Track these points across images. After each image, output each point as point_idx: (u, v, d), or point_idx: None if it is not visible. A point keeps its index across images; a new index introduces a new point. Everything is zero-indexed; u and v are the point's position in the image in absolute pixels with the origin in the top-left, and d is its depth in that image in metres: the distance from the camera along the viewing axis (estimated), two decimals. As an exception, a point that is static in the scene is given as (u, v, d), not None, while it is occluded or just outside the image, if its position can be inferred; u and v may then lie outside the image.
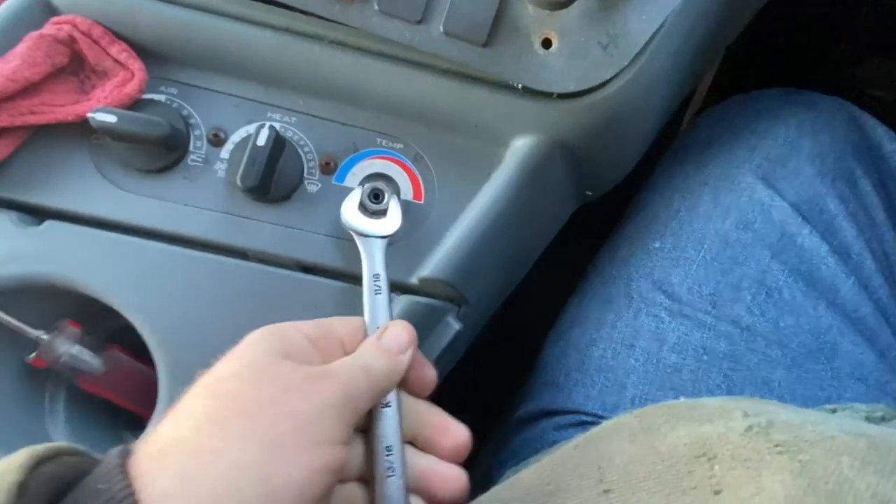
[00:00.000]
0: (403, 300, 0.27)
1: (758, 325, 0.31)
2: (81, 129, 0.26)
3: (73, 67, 0.27)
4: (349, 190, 0.27)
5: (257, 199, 0.27)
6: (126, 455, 0.17)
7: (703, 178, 0.34)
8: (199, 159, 0.27)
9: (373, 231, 0.25)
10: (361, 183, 0.28)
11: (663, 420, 0.22)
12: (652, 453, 0.21)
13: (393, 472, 0.21)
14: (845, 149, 0.34)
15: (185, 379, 0.26)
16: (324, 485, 0.19)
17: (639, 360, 0.31)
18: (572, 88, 0.24)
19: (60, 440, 0.29)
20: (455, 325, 0.28)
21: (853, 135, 0.35)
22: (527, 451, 0.31)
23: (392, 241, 0.26)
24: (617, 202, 0.38)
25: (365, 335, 0.23)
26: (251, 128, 0.27)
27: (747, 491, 0.18)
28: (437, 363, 0.28)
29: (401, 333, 0.23)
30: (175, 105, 0.27)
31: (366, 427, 0.22)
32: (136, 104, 0.27)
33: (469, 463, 0.40)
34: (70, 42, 0.26)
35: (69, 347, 0.28)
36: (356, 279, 0.27)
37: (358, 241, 0.25)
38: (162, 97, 0.27)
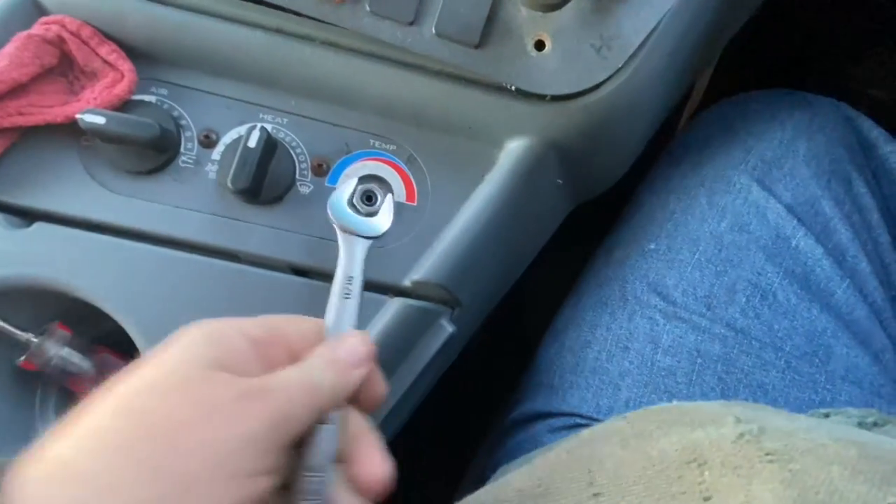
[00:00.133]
0: (396, 303, 0.27)
1: (752, 328, 0.30)
2: (71, 131, 0.26)
3: (62, 68, 0.26)
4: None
5: (249, 201, 0.27)
6: (9, 473, 0.15)
7: (698, 180, 0.34)
8: (190, 161, 0.27)
9: (359, 229, 0.24)
10: (354, 184, 0.27)
11: (655, 425, 0.22)
12: (643, 458, 0.20)
13: (318, 497, 0.18)
14: (841, 150, 0.34)
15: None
16: None
17: (633, 362, 0.31)
18: (565, 91, 0.24)
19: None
20: (448, 328, 0.28)
21: (848, 136, 0.35)
22: (521, 453, 0.31)
23: (378, 244, 0.25)
24: (612, 204, 0.37)
25: (319, 340, 0.20)
26: (242, 129, 0.27)
27: (737, 499, 0.18)
28: (431, 366, 0.28)
29: (358, 346, 0.20)
30: (165, 106, 0.27)
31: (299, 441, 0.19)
32: (125, 105, 0.26)
33: (463, 464, 0.40)
34: (59, 42, 0.26)
35: (59, 350, 0.28)
36: (348, 282, 0.27)
37: (340, 237, 0.24)
38: (152, 98, 0.27)
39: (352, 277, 0.23)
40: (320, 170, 0.27)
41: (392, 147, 0.28)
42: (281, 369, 0.18)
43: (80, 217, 0.26)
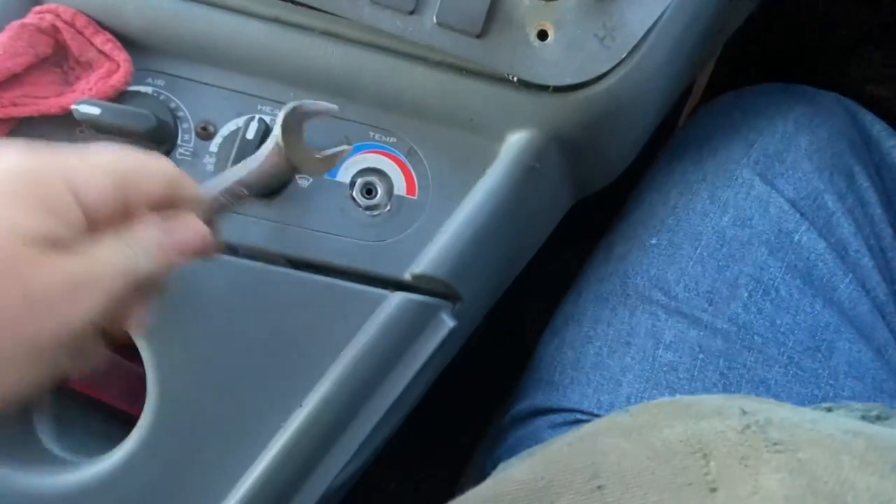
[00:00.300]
0: (396, 297, 0.27)
1: (754, 323, 0.30)
2: (65, 122, 0.25)
3: (57, 58, 0.26)
4: (342, 185, 0.27)
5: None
6: None
7: (700, 174, 0.34)
8: (188, 153, 0.27)
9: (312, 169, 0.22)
10: (354, 177, 0.27)
11: (659, 417, 0.22)
12: (647, 450, 0.20)
13: None
14: (843, 144, 0.34)
15: (173, 376, 0.26)
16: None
17: (634, 357, 0.31)
18: (568, 81, 0.24)
19: (48, 438, 0.29)
20: (449, 323, 0.27)
21: (851, 130, 0.35)
22: (521, 450, 0.31)
23: (378, 238, 0.24)
24: (613, 198, 0.37)
25: (172, 190, 0.18)
26: (240, 121, 0.27)
27: (745, 489, 0.18)
28: (432, 361, 0.28)
29: (195, 237, 0.19)
30: (162, 97, 0.27)
31: None
32: (121, 96, 0.26)
33: (463, 460, 0.40)
34: (53, 32, 0.25)
35: (55, 345, 0.27)
36: (350, 275, 0.27)
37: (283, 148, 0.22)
38: (148, 89, 0.27)
39: (248, 176, 0.21)
40: (321, 163, 0.27)
41: (392, 139, 0.28)
42: (108, 239, 0.17)
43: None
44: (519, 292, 0.37)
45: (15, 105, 0.25)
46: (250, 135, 0.25)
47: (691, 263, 0.32)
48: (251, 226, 0.27)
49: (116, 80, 0.26)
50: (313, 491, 0.26)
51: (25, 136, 0.26)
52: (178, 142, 0.27)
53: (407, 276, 0.27)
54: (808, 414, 0.21)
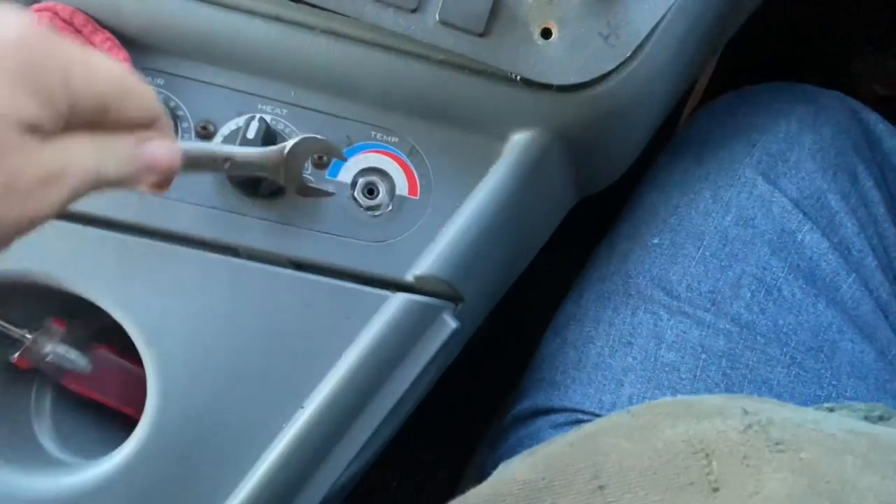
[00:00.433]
0: (398, 298, 0.26)
1: (757, 323, 0.30)
2: (64, 121, 0.25)
3: (55, 56, 0.26)
4: (343, 185, 0.27)
5: (248, 195, 0.26)
6: None
7: (702, 174, 0.34)
8: (187, 153, 0.27)
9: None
10: (355, 177, 0.27)
11: (660, 417, 0.22)
12: (648, 450, 0.20)
13: None
14: (846, 144, 0.34)
15: (174, 378, 0.26)
16: None
17: (636, 357, 0.31)
18: (572, 80, 0.24)
19: (48, 440, 0.29)
20: (451, 324, 0.27)
21: (854, 130, 0.35)
22: (522, 449, 0.31)
23: (380, 238, 0.24)
24: (615, 197, 0.37)
25: (149, 118, 0.18)
26: (241, 120, 0.27)
27: (747, 489, 0.18)
28: (434, 362, 0.27)
29: (166, 155, 0.18)
30: (162, 96, 0.27)
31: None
32: (120, 95, 0.26)
33: (464, 460, 0.40)
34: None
35: (55, 347, 0.27)
36: (351, 276, 0.27)
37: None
38: (148, 88, 0.27)
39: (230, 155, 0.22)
40: (321, 162, 0.27)
41: (394, 139, 0.27)
42: (83, 138, 0.16)
43: (75, 210, 0.26)
44: (520, 291, 0.36)
45: (12, 104, 0.25)
46: (251, 134, 0.25)
47: (693, 263, 0.32)
48: (252, 226, 0.26)
49: (115, 78, 0.25)
50: (314, 493, 0.26)
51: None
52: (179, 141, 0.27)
53: (409, 277, 0.27)
54: (810, 414, 0.21)
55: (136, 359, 0.26)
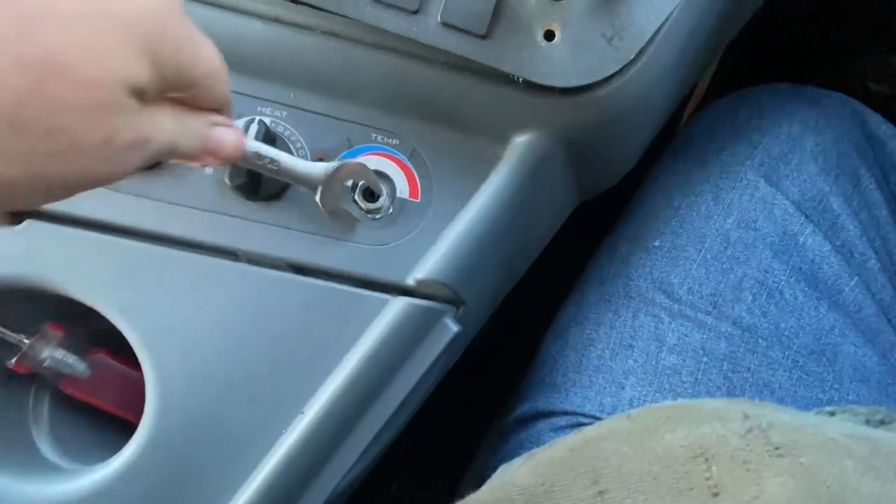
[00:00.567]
0: (399, 302, 0.26)
1: (759, 326, 0.30)
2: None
3: (51, 58, 0.25)
4: (343, 188, 0.26)
5: (247, 198, 0.26)
6: None
7: (703, 176, 0.34)
8: (186, 155, 0.26)
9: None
10: (354, 181, 0.27)
11: (660, 422, 0.21)
12: (648, 454, 0.20)
13: None
14: (849, 146, 0.33)
15: (173, 382, 0.25)
16: None
17: (637, 360, 0.31)
18: (575, 83, 0.24)
19: (46, 446, 0.29)
20: (453, 328, 0.27)
21: (857, 132, 0.34)
22: (523, 452, 0.31)
23: (381, 241, 0.25)
24: (616, 199, 0.37)
25: (221, 104, 0.20)
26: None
27: (747, 494, 0.18)
28: (435, 366, 0.27)
29: (232, 142, 0.20)
30: (159, 98, 0.26)
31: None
32: (118, 97, 0.25)
33: (464, 463, 0.40)
34: (47, 31, 0.25)
35: (52, 351, 0.27)
36: (351, 280, 0.26)
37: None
38: (146, 90, 0.26)
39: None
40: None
41: (395, 141, 0.27)
42: (167, 110, 0.18)
43: (72, 214, 0.26)
44: (521, 293, 0.36)
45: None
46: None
47: (695, 266, 0.32)
48: (252, 230, 0.26)
49: (112, 80, 0.25)
50: (315, 499, 0.26)
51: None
52: (176, 144, 0.26)
53: (410, 281, 0.26)
54: (810, 418, 0.21)
55: (134, 363, 0.26)
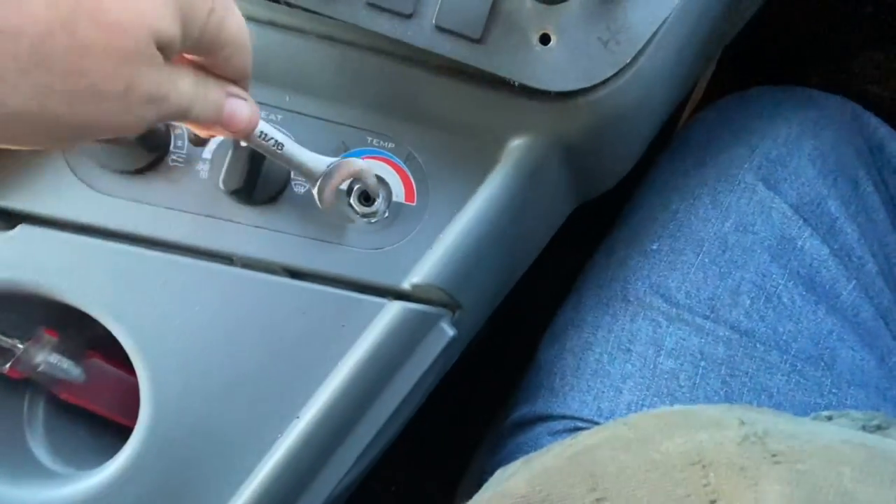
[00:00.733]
0: (395, 306, 0.26)
1: (757, 331, 0.30)
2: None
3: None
4: (339, 192, 0.26)
5: (242, 202, 0.26)
6: None
7: (701, 179, 0.34)
8: (180, 159, 0.26)
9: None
10: (351, 184, 0.27)
11: (658, 428, 0.21)
12: (645, 461, 0.20)
13: None
14: (848, 149, 0.33)
15: (167, 387, 0.25)
16: None
17: (635, 364, 0.31)
18: (571, 87, 0.23)
19: (41, 451, 0.28)
20: (449, 332, 0.27)
21: (856, 135, 0.34)
22: (521, 456, 0.31)
23: (377, 245, 0.25)
24: (613, 203, 0.37)
25: (242, 75, 0.20)
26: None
27: (745, 501, 0.18)
28: (431, 370, 0.27)
29: (247, 115, 0.20)
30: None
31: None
32: (112, 101, 0.25)
33: (463, 466, 0.40)
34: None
35: (47, 356, 0.27)
36: (347, 284, 0.26)
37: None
38: (140, 94, 0.26)
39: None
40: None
41: (390, 145, 0.27)
42: (188, 73, 0.18)
43: (67, 219, 0.26)
44: (518, 297, 0.36)
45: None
46: (245, 141, 0.24)
47: (693, 270, 0.32)
48: (247, 234, 0.26)
49: (107, 84, 0.25)
50: (311, 503, 0.26)
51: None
52: (171, 148, 0.26)
53: (406, 285, 0.26)
54: (807, 424, 0.21)
55: (129, 367, 0.26)
